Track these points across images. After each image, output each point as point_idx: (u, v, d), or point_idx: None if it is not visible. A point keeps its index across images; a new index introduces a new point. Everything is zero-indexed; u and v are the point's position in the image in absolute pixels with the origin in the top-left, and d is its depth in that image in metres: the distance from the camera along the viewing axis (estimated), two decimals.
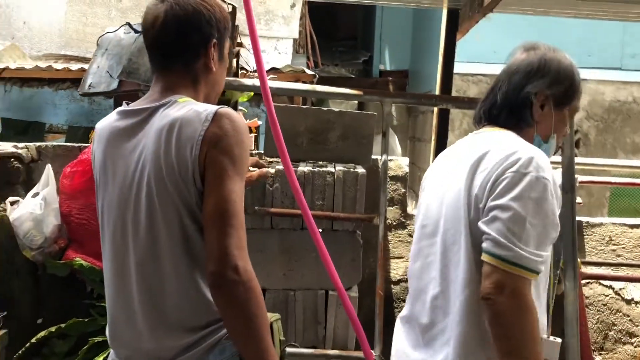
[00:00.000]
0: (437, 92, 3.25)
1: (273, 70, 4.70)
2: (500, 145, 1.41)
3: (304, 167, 2.85)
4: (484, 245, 1.33)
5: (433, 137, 3.26)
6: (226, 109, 1.35)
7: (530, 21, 4.40)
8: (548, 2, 3.06)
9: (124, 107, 1.49)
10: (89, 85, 2.85)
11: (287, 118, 3.18)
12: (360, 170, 2.86)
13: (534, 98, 1.48)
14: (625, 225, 3.53)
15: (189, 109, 1.35)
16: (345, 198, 2.83)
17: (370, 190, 2.99)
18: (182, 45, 1.42)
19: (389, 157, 3.37)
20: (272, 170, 2.82)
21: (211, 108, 1.34)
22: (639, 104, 5.81)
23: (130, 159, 1.38)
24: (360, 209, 2.85)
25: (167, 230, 1.33)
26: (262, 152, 3.26)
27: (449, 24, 3.25)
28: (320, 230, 2.78)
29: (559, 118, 1.51)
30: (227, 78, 2.96)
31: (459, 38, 3.31)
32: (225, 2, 3.08)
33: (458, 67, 4.30)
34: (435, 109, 3.24)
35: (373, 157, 3.21)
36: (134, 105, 1.46)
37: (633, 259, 3.52)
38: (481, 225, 1.35)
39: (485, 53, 5.49)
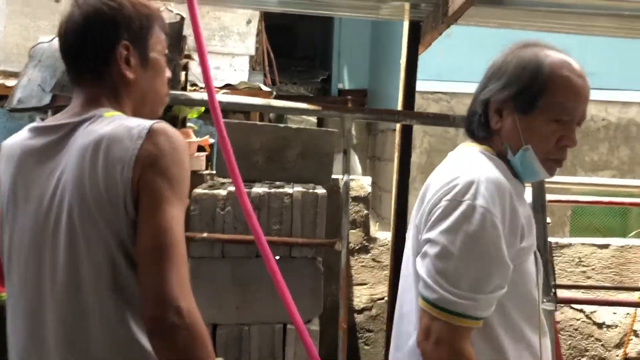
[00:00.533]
0: (399, 108, 3.08)
1: (228, 87, 4.47)
2: (449, 168, 1.25)
3: (259, 189, 2.62)
4: (419, 285, 1.19)
5: (396, 156, 3.08)
6: (162, 124, 1.16)
7: (490, 37, 4.30)
8: (512, 14, 2.94)
9: (37, 123, 1.27)
10: (18, 100, 2.55)
11: (241, 135, 2.95)
12: (320, 191, 2.64)
13: (488, 104, 1.28)
14: (594, 245, 3.42)
15: (118, 124, 1.14)
16: (304, 222, 2.60)
17: (331, 212, 2.78)
18: (84, 52, 1.22)
19: (350, 177, 3.17)
20: (224, 192, 2.57)
21: (144, 123, 1.14)
22: (596, 122, 5.81)
23: (47, 184, 1.17)
24: (320, 233, 2.62)
25: (92, 268, 1.11)
26: (215, 172, 3.01)
27: (410, 36, 3.09)
28: (277, 257, 2.56)
29: (529, 125, 1.23)
30: (173, 92, 2.72)
31: (421, 51, 3.16)
32: (170, 10, 2.85)
33: (418, 85, 4.18)
34: (398, 126, 3.06)
35: (333, 176, 3.01)
36: (51, 121, 1.24)
37: (603, 281, 3.41)
38: (417, 261, 1.21)
39: (446, 71, 5.40)
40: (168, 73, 1.35)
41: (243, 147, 2.91)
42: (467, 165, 1.22)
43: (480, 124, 1.30)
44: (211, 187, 2.73)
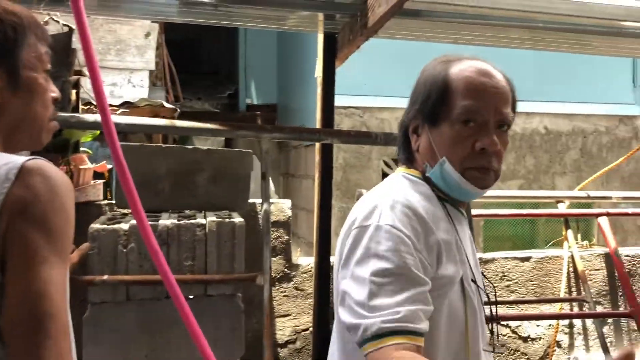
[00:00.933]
0: (317, 126, 2.89)
1: (126, 104, 4.09)
2: (365, 199, 1.19)
3: (167, 220, 2.32)
4: (352, 335, 1.07)
5: (317, 175, 2.88)
6: (38, 162, 0.94)
7: (402, 50, 4.24)
8: (429, 26, 2.85)
9: None
10: None
11: (143, 160, 2.63)
12: (238, 219, 2.38)
13: (408, 126, 1.24)
14: (516, 259, 3.39)
15: None
16: (220, 255, 2.33)
17: (250, 241, 2.53)
18: None
19: (270, 200, 2.94)
20: (126, 226, 2.25)
21: (15, 160, 0.93)
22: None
23: None
24: (239, 266, 2.36)
25: None
26: (115, 202, 2.67)
27: (326, 50, 2.92)
28: (191, 297, 2.28)
29: (440, 136, 1.16)
30: (62, 114, 2.37)
31: (337, 65, 2.99)
32: (56, 21, 2.50)
33: None
34: (318, 144, 2.87)
35: (250, 200, 2.76)
36: None
37: (526, 294, 3.38)
38: (340, 311, 1.10)
39: (358, 85, 5.30)
40: (55, 92, 1.10)
41: (147, 173, 2.60)
42: (378, 192, 1.18)
43: (403, 147, 1.26)
44: (111, 220, 2.40)
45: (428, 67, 1.24)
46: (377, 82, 5.24)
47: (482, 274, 1.35)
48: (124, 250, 2.24)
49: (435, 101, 1.16)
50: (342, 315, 1.06)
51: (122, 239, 2.24)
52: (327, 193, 2.84)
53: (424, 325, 1.01)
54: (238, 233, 2.35)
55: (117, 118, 2.21)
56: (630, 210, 3.86)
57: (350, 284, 1.05)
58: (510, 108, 1.18)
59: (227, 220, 2.35)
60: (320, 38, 2.93)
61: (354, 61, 5.23)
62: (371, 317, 0.99)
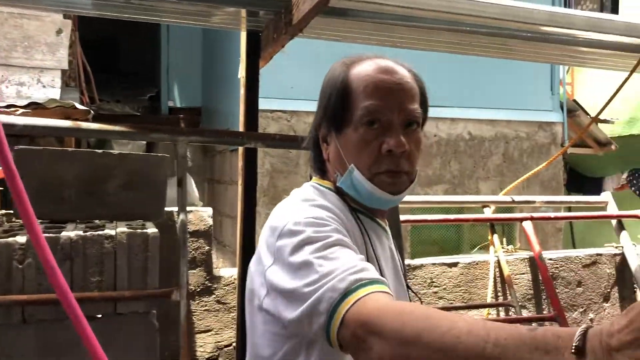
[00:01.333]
0: (240, 129, 2.73)
1: (33, 105, 3.77)
2: (275, 211, 1.11)
3: (71, 232, 2.09)
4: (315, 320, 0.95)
5: (240, 181, 2.72)
6: None
7: (329, 52, 4.14)
8: (356, 27, 2.76)
9: None
10: None
11: (46, 164, 2.39)
12: (151, 230, 2.19)
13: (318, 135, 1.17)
14: (444, 264, 3.36)
15: None
16: (131, 269, 2.12)
17: (167, 252, 2.34)
18: None
19: (189, 208, 2.75)
20: (23, 239, 2.01)
21: None
22: (429, 138, 5.98)
23: None
24: (153, 281, 2.16)
25: None
26: (12, 212, 2.41)
27: (250, 48, 2.76)
28: (99, 316, 2.07)
29: (346, 141, 1.09)
30: None
31: (262, 65, 2.84)
32: None
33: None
34: (241, 149, 2.71)
35: (167, 209, 2.57)
36: None
37: (454, 300, 3.35)
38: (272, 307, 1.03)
39: (285, 88, 5.17)
40: None
41: (50, 179, 2.35)
42: (287, 201, 1.10)
43: (314, 157, 1.18)
44: (6, 232, 2.14)
45: (330, 69, 1.15)
46: (305, 85, 5.12)
47: (408, 286, 1.26)
48: (20, 266, 1.99)
49: (336, 105, 1.09)
50: (286, 313, 0.93)
51: (17, 253, 1.99)
52: (252, 200, 2.68)
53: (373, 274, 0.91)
54: (151, 245, 2.16)
55: (13, 119, 1.97)
56: (552, 214, 3.94)
57: (290, 278, 0.94)
58: (417, 104, 1.10)
59: (139, 231, 2.15)
60: (244, 36, 2.78)
61: (281, 64, 5.10)
62: (330, 280, 0.88)
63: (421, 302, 1.33)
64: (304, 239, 0.95)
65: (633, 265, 3.71)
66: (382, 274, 1.08)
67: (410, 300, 1.24)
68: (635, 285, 3.80)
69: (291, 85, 5.23)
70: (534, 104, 6.43)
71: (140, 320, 2.16)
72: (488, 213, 3.71)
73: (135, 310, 2.15)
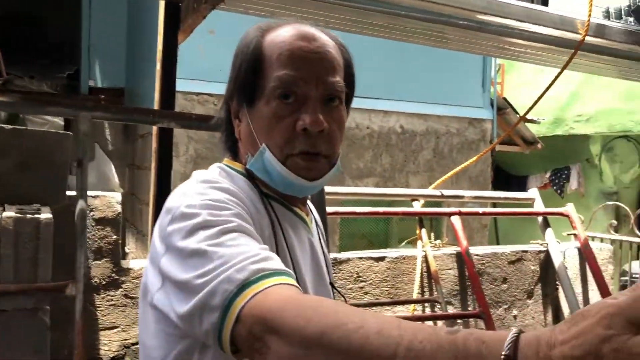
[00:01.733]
0: (156, 107, 2.50)
1: None
2: (174, 192, 0.95)
3: None
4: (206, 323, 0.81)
5: (153, 165, 2.49)
6: None
7: None
8: (291, 3, 2.58)
9: None
10: None
11: None
12: (45, 215, 1.93)
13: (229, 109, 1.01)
14: (371, 258, 3.25)
15: None
16: (18, 260, 1.87)
17: (67, 242, 2.09)
18: None
19: (95, 193, 2.50)
20: None
21: None
22: (361, 130, 5.89)
23: None
24: (45, 274, 1.91)
25: None
26: None
27: (167, 20, 2.53)
28: None
29: (258, 117, 0.93)
30: None
31: (182, 39, 2.62)
32: None
33: (182, 85, 3.68)
34: (155, 129, 2.47)
35: (69, 193, 2.31)
36: None
37: (380, 295, 3.25)
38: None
39: (211, 70, 4.91)
40: None
41: None
42: (186, 183, 0.92)
43: (226, 135, 1.02)
44: None
45: (243, 35, 1.00)
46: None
47: (332, 284, 1.11)
48: None
49: (247, 75, 0.94)
50: (178, 308, 0.78)
51: None
52: (166, 186, 2.46)
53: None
54: (44, 232, 1.91)
55: None
56: (481, 210, 3.91)
57: (182, 268, 0.79)
58: (340, 77, 0.94)
59: (29, 216, 1.89)
60: (162, 6, 2.54)
61: (210, 45, 4.84)
62: (226, 270, 0.74)
63: (345, 301, 1.18)
64: (198, 223, 0.81)
65: (557, 263, 3.74)
66: (295, 269, 0.94)
67: (334, 297, 1.10)
68: (557, 283, 3.84)
69: (219, 67, 4.98)
70: (465, 100, 6.47)
71: (27, 318, 1.91)
72: (417, 207, 3.64)
73: (22, 307, 1.89)
